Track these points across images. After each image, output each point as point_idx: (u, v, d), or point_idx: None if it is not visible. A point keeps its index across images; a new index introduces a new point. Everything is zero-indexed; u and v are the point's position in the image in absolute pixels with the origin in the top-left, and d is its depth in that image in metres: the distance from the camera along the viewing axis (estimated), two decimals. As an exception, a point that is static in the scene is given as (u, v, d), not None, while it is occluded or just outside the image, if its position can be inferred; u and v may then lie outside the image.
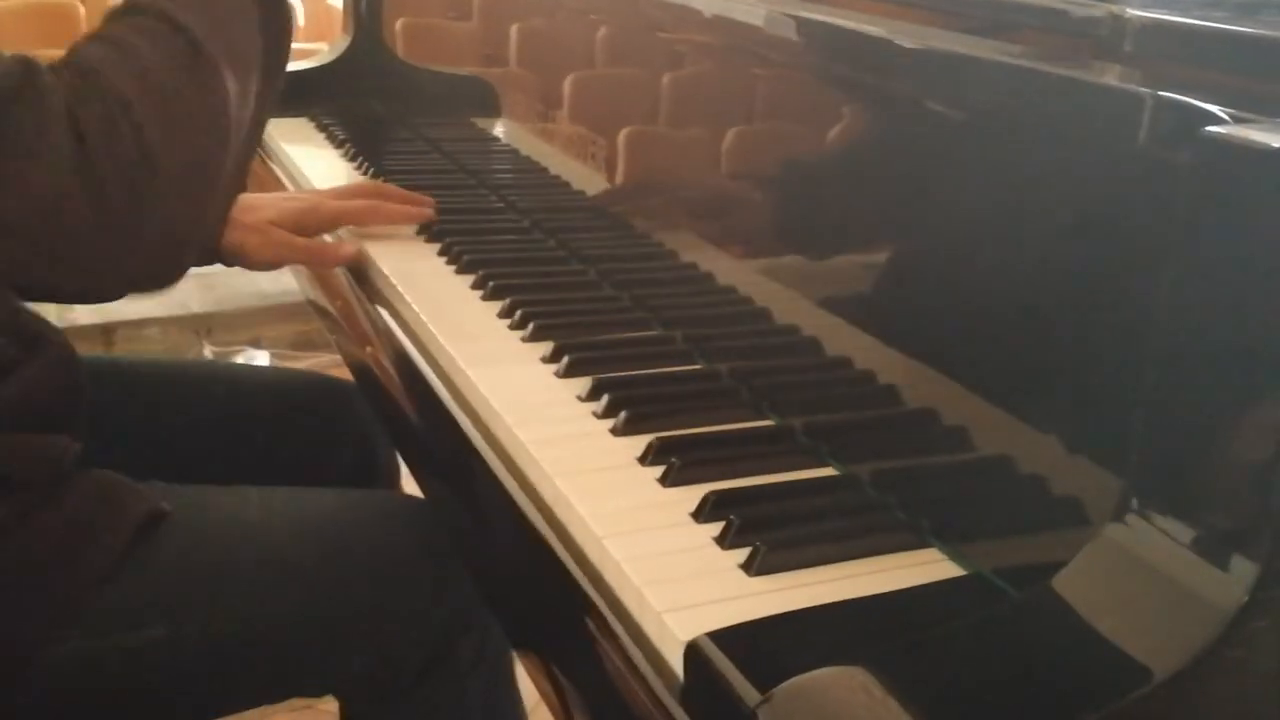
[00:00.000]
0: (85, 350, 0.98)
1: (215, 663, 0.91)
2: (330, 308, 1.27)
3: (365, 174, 1.47)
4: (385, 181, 1.41)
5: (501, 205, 1.35)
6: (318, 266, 1.25)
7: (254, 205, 1.13)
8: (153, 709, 0.92)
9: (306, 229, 1.16)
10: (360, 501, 1.04)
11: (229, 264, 1.10)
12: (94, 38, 0.79)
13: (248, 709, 1.02)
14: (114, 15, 0.81)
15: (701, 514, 0.72)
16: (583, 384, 0.89)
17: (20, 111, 0.73)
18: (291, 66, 1.87)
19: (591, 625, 0.68)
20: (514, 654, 1.03)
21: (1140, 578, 0.53)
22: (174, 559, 0.90)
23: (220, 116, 0.79)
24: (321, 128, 1.69)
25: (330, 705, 1.08)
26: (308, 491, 1.03)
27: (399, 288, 1.10)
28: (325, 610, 0.93)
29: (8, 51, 0.77)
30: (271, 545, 0.94)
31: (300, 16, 4.84)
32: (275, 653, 0.93)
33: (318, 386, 1.28)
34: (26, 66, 0.75)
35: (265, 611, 0.91)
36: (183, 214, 0.79)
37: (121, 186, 0.75)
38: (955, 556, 0.68)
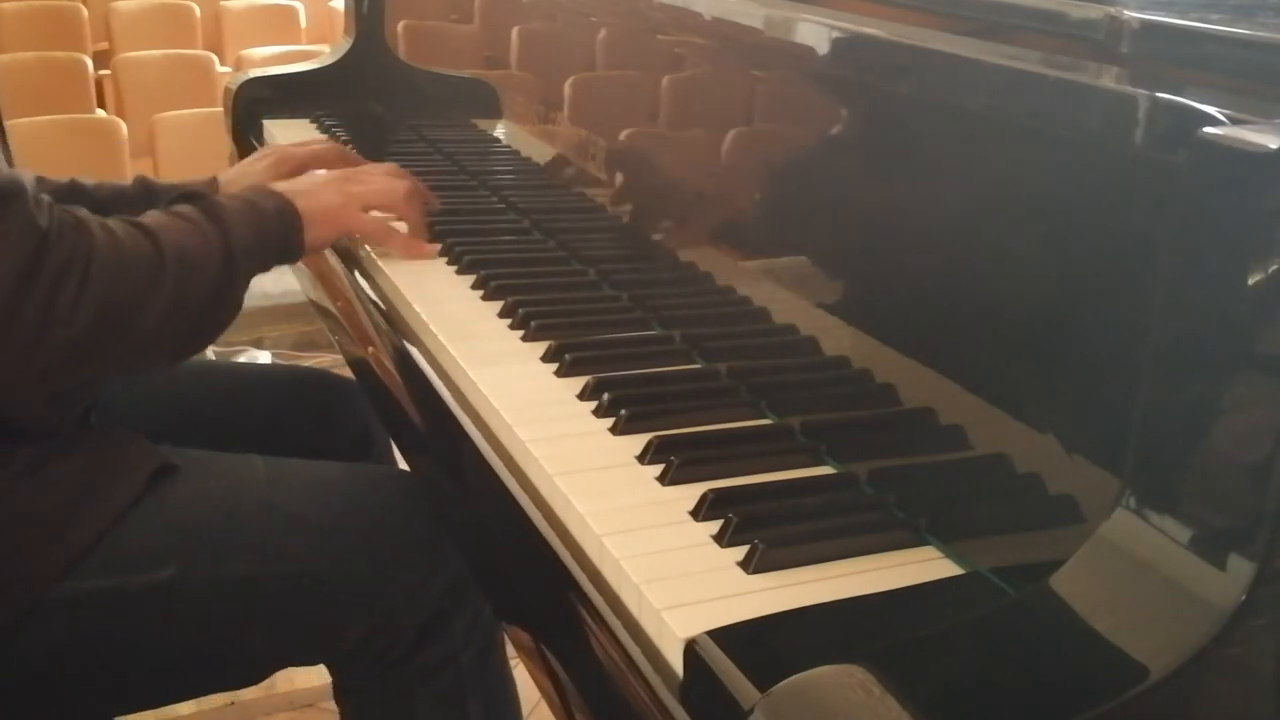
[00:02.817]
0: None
1: (222, 609, 0.93)
2: (332, 308, 1.28)
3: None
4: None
5: (502, 206, 1.35)
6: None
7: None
8: (163, 654, 0.94)
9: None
10: (363, 472, 1.07)
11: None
12: (98, 219, 0.89)
13: (253, 675, 1.03)
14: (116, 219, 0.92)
15: (700, 512, 0.72)
16: (582, 383, 0.89)
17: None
18: (294, 68, 1.89)
19: (591, 623, 0.69)
20: (514, 667, 1.04)
21: (1138, 576, 0.53)
22: (184, 507, 0.94)
23: (145, 318, 0.88)
24: (324, 129, 1.69)
25: (331, 704, 1.09)
26: (312, 462, 1.05)
27: (400, 288, 1.11)
28: (327, 569, 0.95)
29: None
30: (277, 500, 0.97)
31: (302, 18, 4.86)
32: (278, 606, 0.95)
33: (315, 381, 1.30)
34: (17, 185, 0.83)
35: (270, 562, 0.94)
36: (73, 369, 0.87)
37: (37, 323, 0.82)
38: (953, 555, 0.69)
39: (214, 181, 1.26)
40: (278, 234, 1.01)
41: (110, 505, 0.91)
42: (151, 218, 0.93)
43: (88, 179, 1.24)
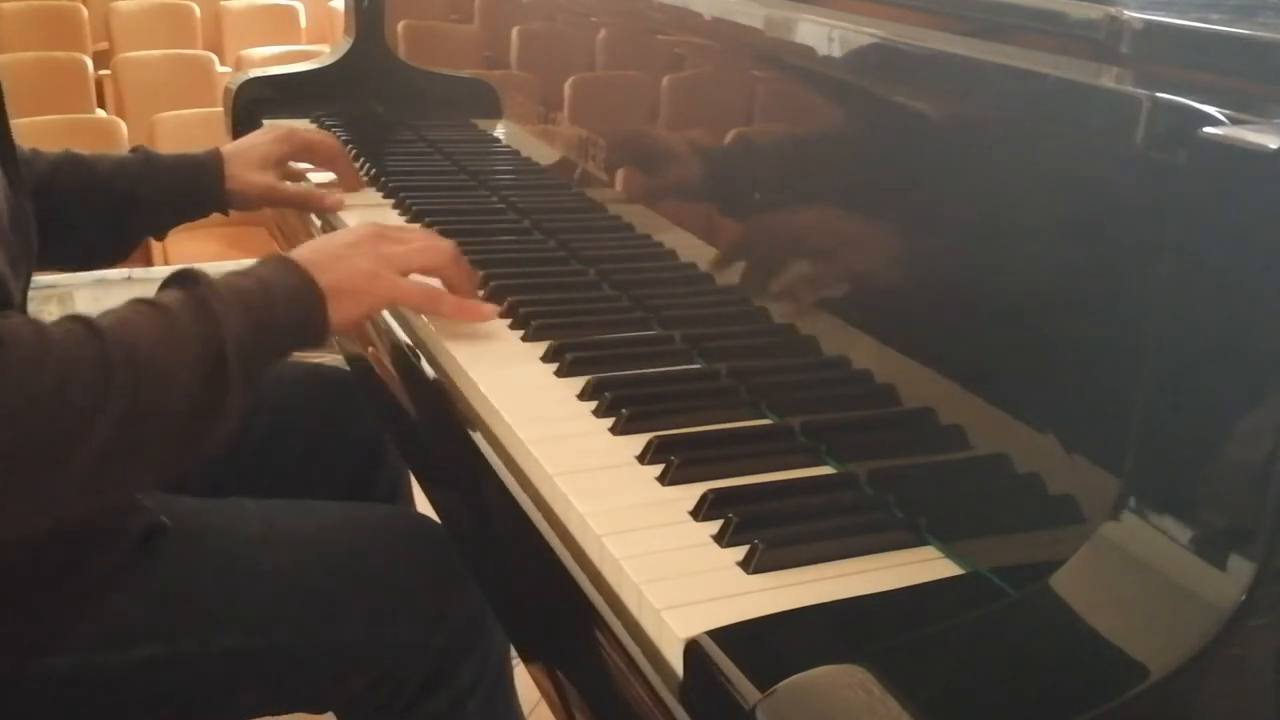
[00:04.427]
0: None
1: (212, 680, 0.90)
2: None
3: (367, 174, 1.48)
4: (386, 183, 1.42)
5: (502, 206, 1.35)
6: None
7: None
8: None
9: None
10: (363, 518, 1.01)
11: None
12: (33, 324, 0.73)
13: None
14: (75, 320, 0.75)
15: (700, 512, 0.72)
16: (582, 383, 0.89)
17: None
18: (294, 68, 1.89)
19: (591, 623, 0.69)
20: (514, 668, 1.03)
21: (1138, 576, 0.53)
22: (173, 574, 0.90)
23: (81, 449, 0.71)
24: (324, 129, 1.69)
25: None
26: (308, 505, 1.01)
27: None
28: (325, 631, 0.92)
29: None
30: (271, 562, 0.93)
31: (302, 18, 4.86)
32: (273, 671, 0.92)
33: (329, 376, 1.26)
34: None
35: (262, 633, 0.90)
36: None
37: None
38: (953, 555, 0.69)
39: (216, 153, 1.26)
40: (290, 322, 0.83)
41: (94, 575, 0.86)
42: (116, 315, 0.76)
43: (85, 151, 1.21)
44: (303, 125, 1.68)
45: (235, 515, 0.95)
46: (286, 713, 1.01)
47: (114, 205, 1.20)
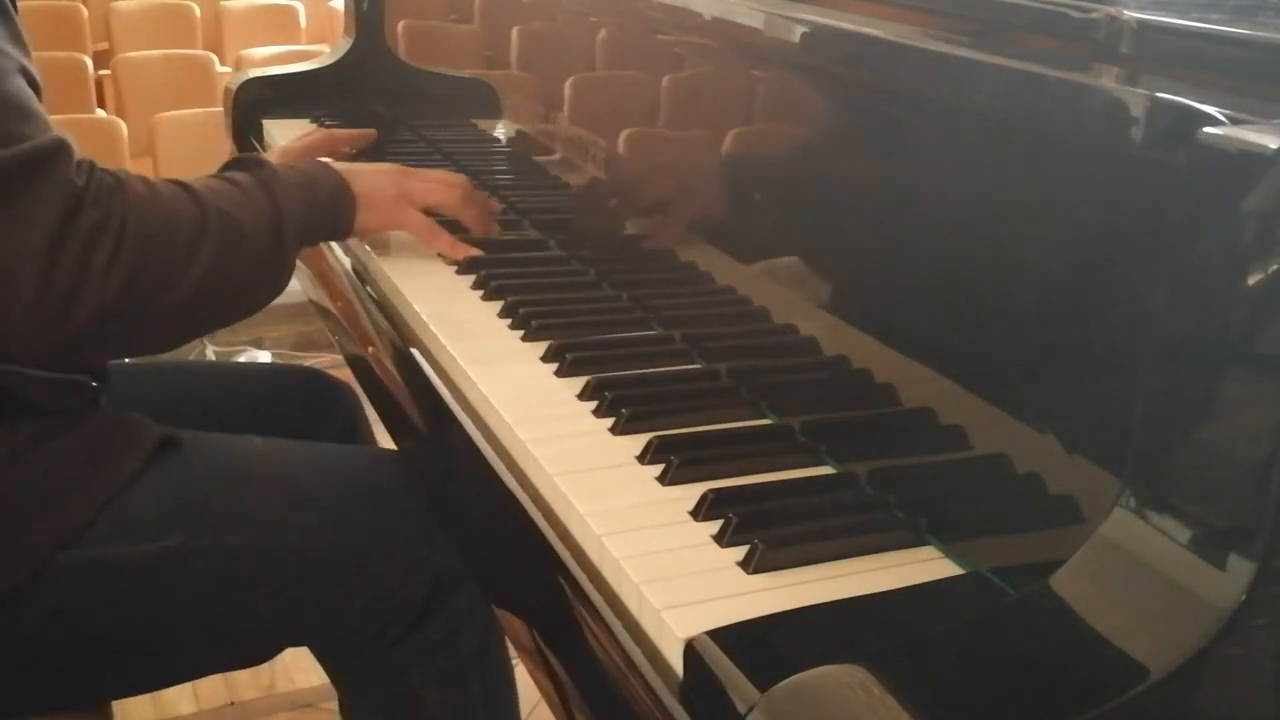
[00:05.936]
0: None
1: (225, 579, 0.94)
2: (332, 308, 1.28)
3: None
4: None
5: (502, 206, 1.35)
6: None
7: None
8: (167, 625, 0.95)
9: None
10: (360, 452, 1.09)
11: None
12: (141, 177, 0.90)
13: (254, 654, 1.03)
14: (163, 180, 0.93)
15: (700, 512, 0.73)
16: (582, 383, 0.89)
17: (36, 179, 0.81)
18: (294, 68, 1.89)
19: (591, 623, 0.69)
20: (514, 668, 1.04)
21: (1138, 576, 0.53)
22: (189, 478, 0.96)
23: (183, 282, 0.88)
24: (324, 129, 1.69)
25: (331, 704, 1.09)
26: (311, 443, 1.07)
27: (400, 288, 1.11)
28: (330, 542, 0.96)
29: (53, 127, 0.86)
30: (279, 475, 0.99)
31: (302, 18, 4.86)
32: (282, 578, 0.96)
33: (302, 377, 1.32)
34: (60, 146, 0.83)
35: (273, 534, 0.95)
36: (105, 334, 0.86)
37: (71, 283, 0.81)
38: (953, 555, 0.69)
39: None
40: (329, 211, 1.03)
41: (117, 474, 0.92)
42: (200, 181, 0.93)
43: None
44: (301, 133, 1.67)
45: (242, 440, 1.02)
46: (289, 637, 1.03)
47: None
